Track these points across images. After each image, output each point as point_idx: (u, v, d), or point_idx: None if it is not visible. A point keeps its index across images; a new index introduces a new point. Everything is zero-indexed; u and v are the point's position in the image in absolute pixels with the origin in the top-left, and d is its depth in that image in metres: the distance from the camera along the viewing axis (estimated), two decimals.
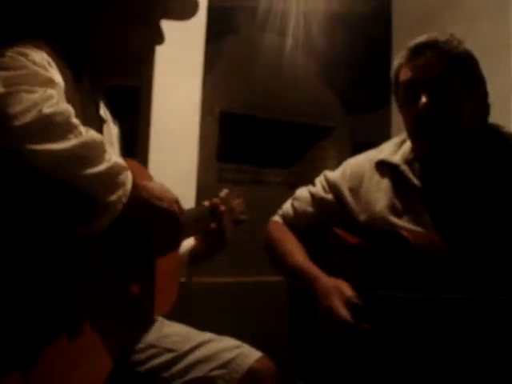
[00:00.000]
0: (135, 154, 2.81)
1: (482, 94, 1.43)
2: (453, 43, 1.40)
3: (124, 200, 1.02)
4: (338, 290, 1.41)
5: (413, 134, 1.46)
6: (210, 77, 3.20)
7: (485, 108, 1.44)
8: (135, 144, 2.86)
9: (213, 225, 1.52)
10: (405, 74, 1.44)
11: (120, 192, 1.01)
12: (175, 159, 2.79)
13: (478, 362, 1.20)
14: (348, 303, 1.37)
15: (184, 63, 2.81)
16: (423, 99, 1.38)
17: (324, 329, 1.44)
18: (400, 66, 1.45)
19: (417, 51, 1.41)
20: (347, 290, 1.40)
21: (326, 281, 1.47)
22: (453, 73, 1.38)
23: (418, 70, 1.40)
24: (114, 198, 1.00)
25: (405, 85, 1.44)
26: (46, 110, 0.94)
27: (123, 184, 1.03)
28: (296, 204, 1.72)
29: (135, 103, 2.87)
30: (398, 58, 1.47)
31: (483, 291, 1.17)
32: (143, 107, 2.86)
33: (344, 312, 1.36)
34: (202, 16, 2.81)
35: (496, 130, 1.44)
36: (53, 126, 0.94)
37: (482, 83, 1.44)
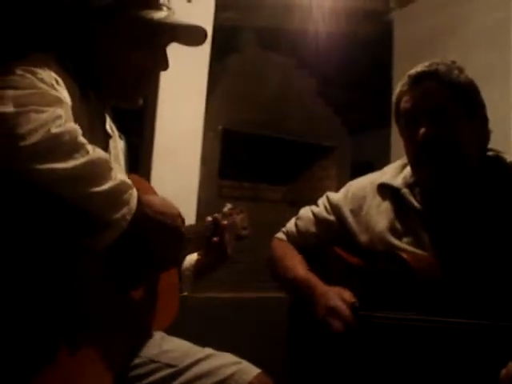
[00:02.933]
0: (137, 169, 2.84)
1: (483, 121, 1.45)
2: (453, 72, 1.41)
3: (128, 218, 1.04)
4: (340, 295, 1.44)
5: (413, 162, 1.48)
6: (213, 94, 3.23)
7: (485, 134, 1.45)
8: (138, 159, 2.88)
9: (215, 239, 1.54)
10: (405, 103, 1.45)
11: (124, 210, 1.03)
12: (177, 175, 2.81)
13: None
14: (351, 307, 1.40)
15: (188, 80, 2.84)
16: (423, 129, 1.39)
17: (322, 335, 1.46)
18: (401, 94, 1.47)
19: (417, 80, 1.42)
20: (349, 296, 1.44)
21: (327, 287, 1.50)
22: (453, 102, 1.39)
23: (419, 99, 1.42)
24: (118, 216, 1.02)
25: (405, 113, 1.46)
26: (54, 129, 0.96)
27: (128, 202, 1.05)
28: (299, 223, 1.76)
29: (139, 119, 2.90)
30: (399, 86, 1.48)
31: (480, 315, 1.18)
32: (147, 123, 2.88)
33: (348, 312, 1.39)
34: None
35: (497, 157, 1.46)
36: (60, 146, 0.96)
37: (483, 110, 1.45)
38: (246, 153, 3.72)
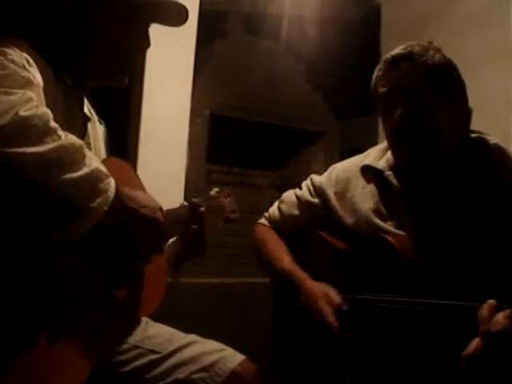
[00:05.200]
0: (124, 154, 2.82)
1: (462, 101, 1.44)
2: (428, 53, 1.40)
3: (105, 208, 1.01)
4: (326, 296, 1.43)
5: (391, 145, 1.48)
6: (200, 79, 3.21)
7: (465, 113, 1.45)
8: (124, 144, 2.86)
9: (193, 227, 1.47)
10: (382, 87, 1.45)
11: (100, 199, 1.01)
12: (164, 160, 2.80)
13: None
14: (337, 311, 1.39)
15: (175, 65, 2.82)
16: (398, 111, 1.39)
17: (309, 332, 1.46)
18: (378, 79, 1.47)
19: (392, 64, 1.42)
20: (335, 297, 1.42)
21: (313, 285, 1.49)
22: (428, 83, 1.39)
23: (394, 82, 1.42)
24: (93, 204, 1.00)
25: (382, 98, 1.45)
26: (23, 112, 0.93)
27: (104, 191, 1.02)
28: (283, 207, 1.74)
29: (125, 104, 2.87)
30: (375, 71, 1.48)
31: (463, 296, 1.18)
32: (133, 108, 2.86)
33: (333, 320, 1.38)
34: (193, 18, 2.82)
35: (480, 139, 1.46)
36: (30, 129, 0.93)
37: (461, 89, 1.45)
38: (234, 138, 3.71)
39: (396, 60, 1.42)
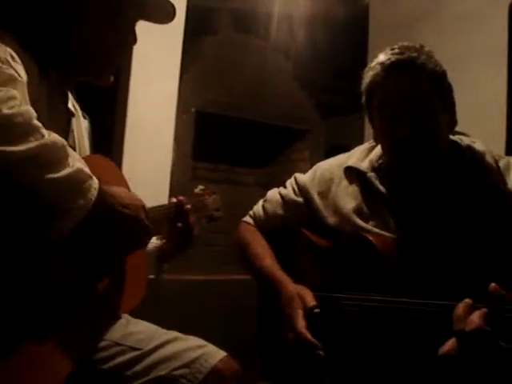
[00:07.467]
0: (110, 151, 2.81)
1: (453, 108, 1.43)
2: (431, 61, 1.36)
3: (87, 208, 1.01)
4: (300, 299, 1.42)
5: (392, 155, 1.45)
6: (186, 76, 3.21)
7: (455, 120, 1.45)
8: (111, 141, 2.86)
9: (179, 224, 1.47)
10: (380, 93, 1.39)
11: (82, 200, 1.00)
12: (150, 157, 2.80)
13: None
14: (308, 314, 1.39)
15: (161, 62, 2.82)
16: (403, 122, 1.36)
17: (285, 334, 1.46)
18: (374, 85, 1.40)
19: (392, 70, 1.36)
20: (310, 299, 1.41)
21: (292, 288, 1.48)
22: (432, 93, 1.36)
23: (396, 90, 1.37)
24: (75, 205, 0.99)
25: (381, 105, 1.41)
26: (6, 110, 0.93)
27: (87, 191, 1.01)
28: (267, 206, 1.74)
29: (112, 100, 2.87)
30: (370, 75, 1.41)
31: (444, 296, 1.19)
32: (119, 104, 2.86)
33: (301, 323, 1.37)
34: (180, 15, 2.81)
35: (460, 140, 1.46)
36: (12, 128, 0.93)
37: (453, 95, 1.43)
38: (220, 135, 3.71)
39: (397, 66, 1.36)
